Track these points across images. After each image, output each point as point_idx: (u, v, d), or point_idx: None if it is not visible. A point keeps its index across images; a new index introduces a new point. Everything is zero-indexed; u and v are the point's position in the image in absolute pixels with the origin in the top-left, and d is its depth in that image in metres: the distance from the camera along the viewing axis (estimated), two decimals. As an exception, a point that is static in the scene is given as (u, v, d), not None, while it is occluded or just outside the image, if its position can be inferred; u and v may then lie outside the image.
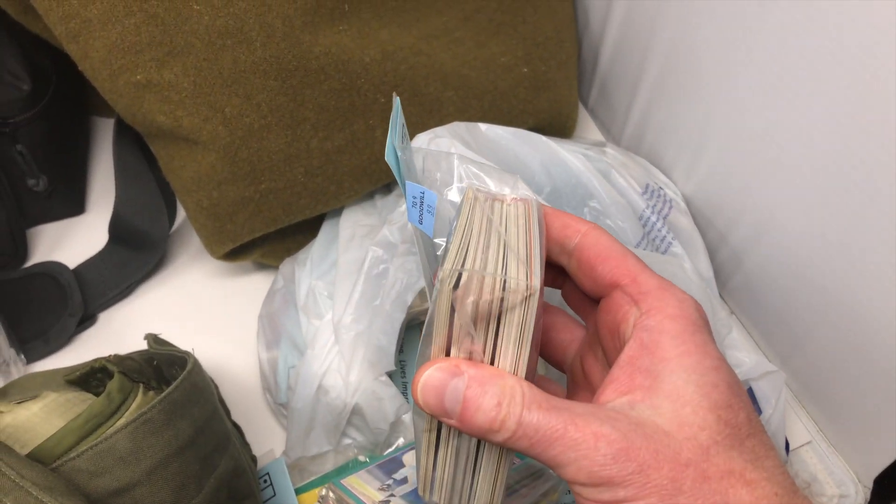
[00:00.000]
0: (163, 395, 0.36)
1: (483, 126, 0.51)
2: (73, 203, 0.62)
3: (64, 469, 0.34)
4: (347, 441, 0.49)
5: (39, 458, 0.34)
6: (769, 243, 0.53)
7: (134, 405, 0.38)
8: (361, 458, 0.49)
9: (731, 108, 0.52)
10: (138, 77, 0.46)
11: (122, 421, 0.36)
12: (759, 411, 0.45)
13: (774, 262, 0.53)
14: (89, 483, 0.34)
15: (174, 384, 0.37)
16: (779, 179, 0.50)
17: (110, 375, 0.41)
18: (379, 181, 0.53)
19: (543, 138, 0.52)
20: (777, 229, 0.51)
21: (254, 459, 0.45)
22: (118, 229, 0.58)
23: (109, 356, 0.42)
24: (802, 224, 0.49)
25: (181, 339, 0.47)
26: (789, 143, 0.47)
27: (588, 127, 0.71)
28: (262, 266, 0.61)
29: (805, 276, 0.51)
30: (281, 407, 0.51)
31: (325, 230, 0.54)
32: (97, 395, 0.41)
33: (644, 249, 0.51)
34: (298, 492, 0.47)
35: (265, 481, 0.47)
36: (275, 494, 0.47)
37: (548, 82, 0.58)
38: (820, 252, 0.48)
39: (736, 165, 0.54)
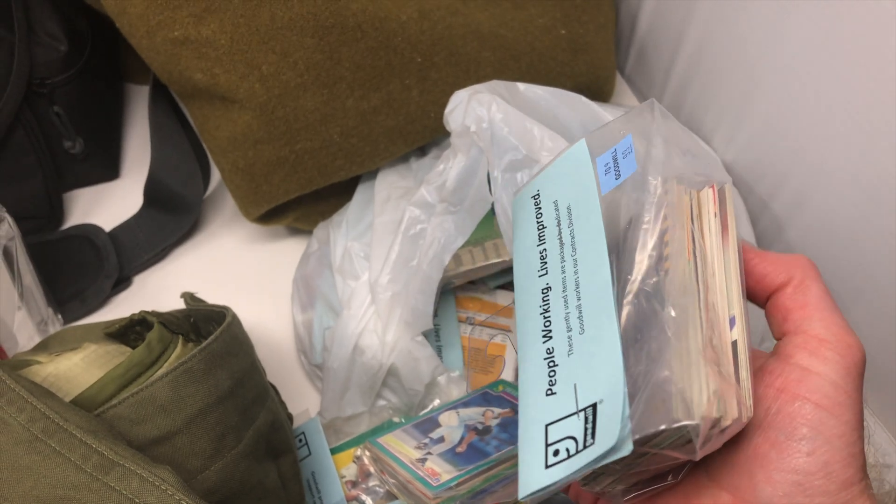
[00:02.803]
0: (203, 345, 0.36)
1: (521, 86, 0.50)
2: (107, 167, 0.63)
3: (105, 417, 0.34)
4: (382, 402, 0.49)
5: (81, 405, 0.35)
6: (812, 211, 0.52)
7: (174, 355, 0.38)
8: (396, 419, 0.49)
9: (777, 72, 0.51)
10: (175, 33, 0.46)
11: (162, 370, 0.36)
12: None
13: (817, 231, 0.52)
14: (130, 430, 0.34)
15: (214, 335, 0.37)
16: (825, 146, 0.48)
17: (149, 328, 0.41)
18: (414, 143, 0.53)
19: (583, 98, 0.51)
20: (821, 197, 0.50)
21: (290, 417, 0.45)
22: (153, 192, 0.58)
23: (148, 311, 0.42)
24: (848, 192, 0.47)
25: (214, 301, 0.47)
26: (838, 109, 0.46)
27: (625, 94, 0.70)
28: (294, 231, 0.60)
29: (849, 245, 0.49)
30: (316, 368, 0.51)
31: (361, 192, 0.54)
32: (135, 348, 0.41)
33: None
34: (333, 452, 0.47)
35: (300, 441, 0.47)
36: (310, 454, 0.47)
37: (586, 45, 0.57)
38: (865, 221, 0.47)
39: (780, 131, 0.52)
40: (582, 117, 0.51)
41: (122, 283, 0.57)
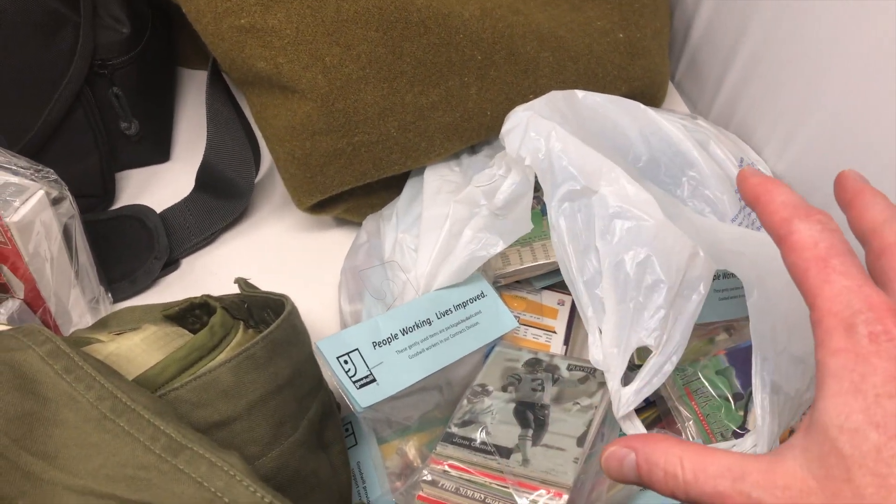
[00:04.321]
0: (266, 332, 0.37)
1: (580, 93, 0.50)
2: (159, 150, 0.63)
3: (167, 398, 0.35)
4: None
5: (142, 386, 0.35)
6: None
7: (235, 341, 0.38)
8: (439, 414, 0.49)
9: (837, 84, 0.50)
10: (242, 21, 0.47)
11: (223, 355, 0.37)
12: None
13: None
14: (191, 414, 0.35)
15: (276, 323, 0.37)
16: (883, 159, 0.48)
17: (208, 312, 0.41)
18: (469, 140, 0.53)
19: (641, 106, 0.51)
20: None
21: (338, 407, 0.46)
22: (206, 176, 0.58)
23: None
24: None
25: (262, 288, 0.47)
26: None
27: (674, 100, 0.70)
28: (342, 222, 0.61)
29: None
30: (361, 360, 0.52)
31: (410, 186, 0.54)
32: (193, 332, 0.42)
33: (740, 224, 0.50)
34: (379, 443, 0.47)
35: (347, 430, 0.48)
36: (356, 444, 0.47)
37: (643, 49, 0.57)
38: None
39: (837, 145, 0.52)
40: (640, 124, 0.50)
41: (170, 265, 0.58)
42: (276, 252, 0.60)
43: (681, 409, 0.47)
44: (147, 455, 0.30)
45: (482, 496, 0.39)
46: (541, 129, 0.43)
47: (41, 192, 0.45)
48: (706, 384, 0.48)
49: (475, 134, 0.52)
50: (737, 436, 0.45)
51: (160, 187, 0.63)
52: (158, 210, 0.60)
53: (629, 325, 0.41)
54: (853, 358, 0.24)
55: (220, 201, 0.59)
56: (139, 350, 0.38)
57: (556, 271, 0.51)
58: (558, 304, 0.55)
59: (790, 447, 0.26)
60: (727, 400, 0.47)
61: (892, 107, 0.45)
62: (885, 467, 0.23)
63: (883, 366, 0.24)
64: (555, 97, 0.48)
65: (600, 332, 0.42)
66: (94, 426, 0.31)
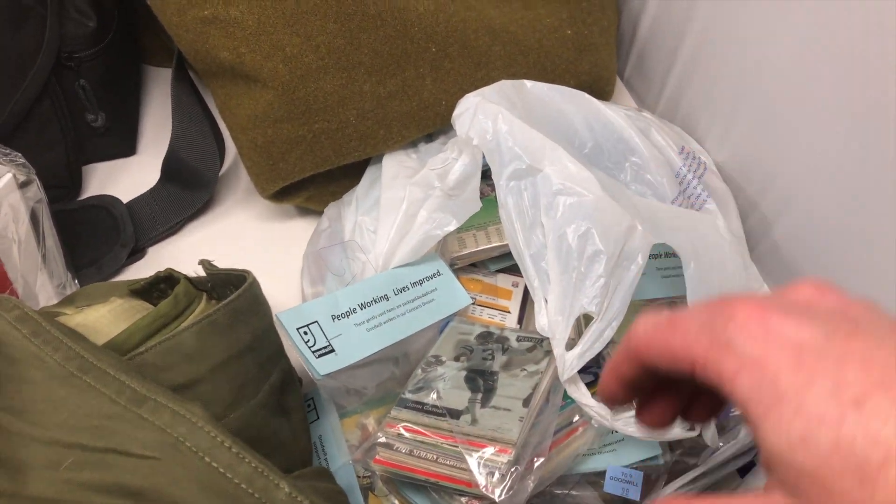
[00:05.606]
0: (228, 300, 0.39)
1: (529, 83, 0.53)
2: (126, 143, 0.65)
3: (134, 363, 0.36)
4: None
5: (110, 352, 0.37)
6: (799, 209, 0.54)
7: (198, 309, 0.40)
8: (397, 388, 0.51)
9: (767, 78, 0.54)
10: (205, 12, 0.49)
11: (187, 322, 0.39)
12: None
13: (803, 229, 0.55)
14: (157, 377, 0.36)
15: (238, 291, 0.39)
16: (811, 149, 0.51)
17: (172, 286, 0.43)
18: (425, 129, 0.55)
19: (586, 95, 0.54)
20: (807, 196, 0.53)
21: (300, 381, 0.47)
22: (171, 167, 0.60)
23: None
24: (833, 191, 0.50)
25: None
26: (824, 113, 0.49)
27: (623, 97, 0.73)
28: (305, 211, 0.63)
29: (833, 242, 0.52)
30: (323, 339, 0.53)
31: (370, 172, 0.57)
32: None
33: (680, 206, 0.53)
34: (340, 417, 0.49)
35: (310, 405, 0.49)
36: (318, 418, 0.49)
37: (590, 45, 0.60)
38: (849, 219, 0.50)
39: (769, 134, 0.55)
40: (585, 113, 0.53)
41: (136, 253, 0.59)
42: (241, 241, 0.62)
43: (626, 379, 0.50)
44: (112, 406, 0.32)
45: (434, 456, 0.41)
46: (489, 113, 0.46)
47: (9, 175, 0.46)
48: (650, 356, 0.50)
49: (431, 123, 0.55)
50: (678, 403, 0.48)
51: (127, 180, 0.65)
52: (125, 201, 0.62)
53: (572, 293, 0.43)
54: (748, 371, 0.21)
55: (186, 191, 0.60)
56: (106, 321, 0.40)
57: (510, 254, 0.54)
58: (512, 285, 0.58)
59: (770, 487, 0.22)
60: (669, 370, 0.50)
61: (817, 100, 0.49)
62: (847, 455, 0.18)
63: (778, 360, 0.20)
64: (504, 86, 0.51)
65: (546, 301, 0.44)
66: (60, 383, 0.33)
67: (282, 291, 0.58)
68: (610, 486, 0.45)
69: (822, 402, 0.19)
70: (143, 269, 0.60)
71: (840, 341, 0.20)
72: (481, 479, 0.39)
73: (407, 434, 0.41)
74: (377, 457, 0.42)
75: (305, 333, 0.44)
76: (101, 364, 0.33)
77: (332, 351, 0.44)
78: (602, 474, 0.46)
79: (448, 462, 0.40)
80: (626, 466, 0.46)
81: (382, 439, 0.41)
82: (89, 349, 0.34)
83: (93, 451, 0.31)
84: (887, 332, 0.20)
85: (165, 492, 0.30)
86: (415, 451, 0.41)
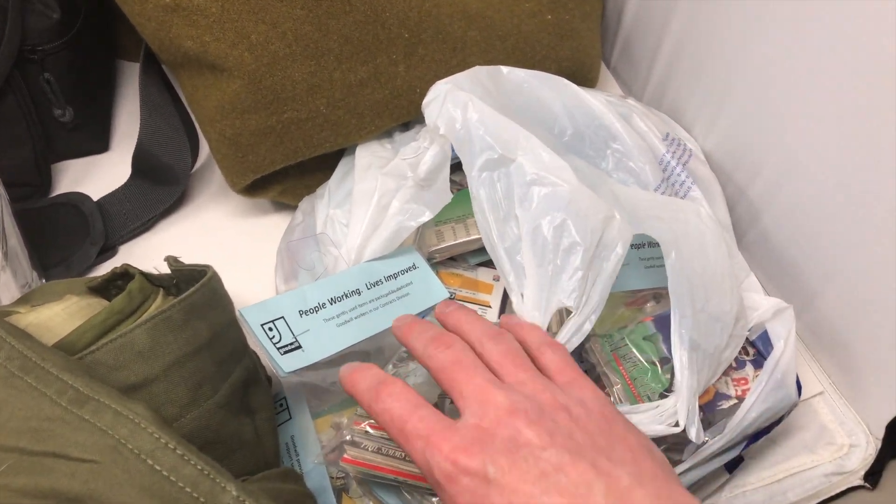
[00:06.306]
0: (183, 295, 0.37)
1: (505, 69, 0.51)
2: (97, 139, 0.63)
3: (85, 362, 0.35)
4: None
5: (61, 350, 0.35)
6: (787, 197, 0.53)
7: (154, 306, 0.38)
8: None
9: (754, 64, 0.52)
10: (167, 1, 0.47)
11: (141, 318, 0.37)
12: (771, 349, 0.45)
13: (791, 217, 0.53)
14: (108, 376, 0.35)
15: (194, 287, 0.38)
16: (800, 135, 0.50)
17: (131, 281, 0.41)
18: (399, 118, 0.54)
19: (565, 81, 0.52)
20: (795, 183, 0.51)
21: (269, 379, 0.46)
22: (141, 162, 0.58)
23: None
24: (821, 179, 0.49)
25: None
26: (811, 100, 0.47)
27: (610, 85, 0.71)
28: (280, 206, 0.61)
29: (821, 230, 0.50)
30: (296, 336, 0.52)
31: (343, 164, 0.55)
32: (117, 301, 0.42)
33: (663, 193, 0.51)
34: (313, 417, 0.48)
35: (282, 405, 0.48)
36: (290, 418, 0.47)
37: (572, 31, 0.58)
38: (837, 207, 0.48)
39: (757, 121, 0.54)
40: (564, 99, 0.52)
41: (107, 251, 0.58)
42: (215, 237, 0.60)
43: (609, 374, 0.48)
44: (53, 408, 0.30)
45: (402, 454, 0.39)
46: (458, 101, 0.44)
47: (-36, 171, 0.45)
48: (633, 349, 0.49)
49: (405, 111, 0.53)
50: (662, 398, 0.46)
51: (99, 177, 0.63)
52: (96, 199, 0.60)
53: (548, 287, 0.42)
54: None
55: (157, 187, 0.59)
56: (59, 319, 0.38)
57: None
58: (493, 279, 0.56)
59: None
60: (654, 364, 0.48)
61: (808, 86, 0.47)
62: None
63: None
64: (478, 72, 0.49)
65: (522, 296, 0.43)
66: (0, 384, 0.31)
67: (256, 288, 0.57)
68: None
69: None
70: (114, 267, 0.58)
71: None
72: None
73: (374, 432, 0.40)
74: (345, 455, 0.40)
75: (270, 329, 0.42)
76: (44, 364, 0.32)
77: (299, 347, 0.42)
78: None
79: None
80: None
81: (349, 437, 0.40)
82: (34, 348, 0.33)
83: (31, 454, 0.29)
84: None
85: (104, 497, 0.28)
86: (382, 448, 0.39)
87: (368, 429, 0.40)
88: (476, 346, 0.36)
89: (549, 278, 0.42)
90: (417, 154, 0.47)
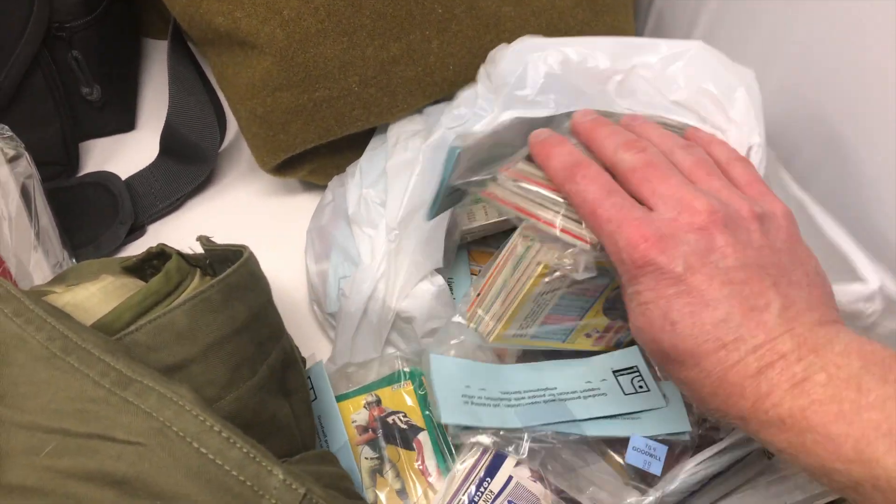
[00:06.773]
0: (221, 276, 0.36)
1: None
2: (124, 118, 0.63)
3: (123, 343, 0.34)
4: (391, 350, 0.49)
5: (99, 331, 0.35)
6: (833, 168, 0.51)
7: (191, 286, 0.38)
8: (406, 368, 0.49)
9: (796, 38, 0.50)
10: (197, -25, 0.46)
11: (180, 299, 0.37)
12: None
13: (837, 188, 0.52)
14: (147, 357, 0.34)
15: (233, 268, 0.37)
16: (840, 117, 0.48)
17: (166, 262, 0.41)
18: (432, 95, 0.53)
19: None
20: (842, 155, 0.50)
21: (303, 360, 0.45)
22: (169, 141, 0.58)
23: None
24: (870, 149, 0.47)
25: (228, 251, 0.47)
26: (862, 61, 0.46)
27: (642, 62, 0.70)
28: (308, 185, 0.61)
29: (870, 206, 0.49)
30: (329, 317, 0.51)
31: (374, 142, 0.54)
32: (153, 281, 0.41)
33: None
34: (345, 398, 0.47)
35: (307, 384, 0.47)
36: (316, 398, 0.47)
37: (606, 6, 0.57)
38: (872, 194, 0.47)
39: (799, 94, 0.52)
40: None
41: (136, 230, 0.57)
42: (243, 216, 0.60)
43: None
44: (96, 389, 0.30)
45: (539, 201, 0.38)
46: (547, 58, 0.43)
47: (-4, 149, 0.44)
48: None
49: (438, 88, 0.52)
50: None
51: (126, 156, 0.63)
52: (124, 178, 0.60)
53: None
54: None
55: (185, 166, 0.58)
56: (96, 300, 0.38)
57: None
58: (525, 259, 0.55)
59: None
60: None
61: (855, 49, 0.46)
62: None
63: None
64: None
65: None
66: (43, 364, 0.31)
67: (286, 268, 0.56)
68: (632, 457, 0.43)
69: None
70: (143, 247, 0.56)
71: None
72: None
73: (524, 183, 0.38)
74: (485, 190, 0.40)
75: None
76: (85, 344, 0.31)
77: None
78: (614, 443, 0.44)
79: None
80: (650, 438, 0.44)
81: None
82: (74, 329, 0.32)
83: (75, 436, 0.29)
84: None
85: (151, 479, 0.28)
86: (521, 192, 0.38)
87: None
88: (668, 154, 0.36)
89: None
90: (464, 122, 0.45)
